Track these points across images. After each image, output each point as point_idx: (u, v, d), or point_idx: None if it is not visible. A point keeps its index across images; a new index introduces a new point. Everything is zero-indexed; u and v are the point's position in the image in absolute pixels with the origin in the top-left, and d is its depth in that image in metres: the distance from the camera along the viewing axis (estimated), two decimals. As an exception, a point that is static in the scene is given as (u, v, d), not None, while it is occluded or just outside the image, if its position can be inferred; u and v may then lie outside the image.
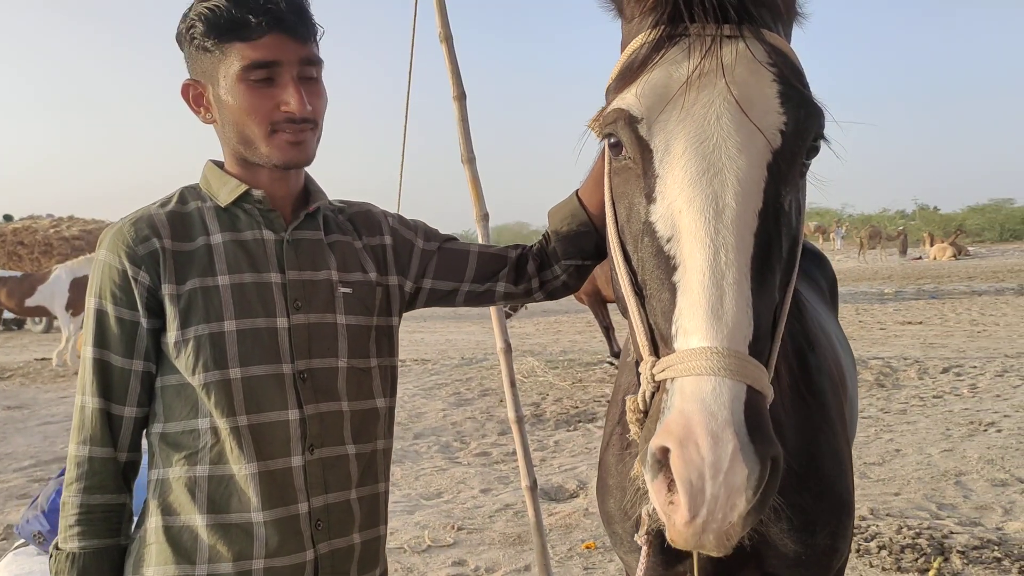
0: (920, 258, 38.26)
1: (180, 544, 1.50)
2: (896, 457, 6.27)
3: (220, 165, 1.65)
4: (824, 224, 50.03)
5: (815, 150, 1.24)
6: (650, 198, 1.22)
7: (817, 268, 3.14)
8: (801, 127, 1.20)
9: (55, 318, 14.68)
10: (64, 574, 1.49)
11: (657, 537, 1.72)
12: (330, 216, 1.70)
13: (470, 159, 3.10)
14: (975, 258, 36.92)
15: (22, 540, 2.94)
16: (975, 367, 9.87)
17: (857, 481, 5.22)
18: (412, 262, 1.77)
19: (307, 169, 1.67)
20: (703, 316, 1.08)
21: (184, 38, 1.54)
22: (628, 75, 1.27)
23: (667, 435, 1.03)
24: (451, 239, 1.85)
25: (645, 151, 1.24)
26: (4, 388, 11.10)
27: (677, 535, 1.06)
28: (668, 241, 1.17)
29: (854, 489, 1.84)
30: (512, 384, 3.20)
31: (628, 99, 1.25)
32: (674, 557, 1.73)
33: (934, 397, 8.38)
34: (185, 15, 1.53)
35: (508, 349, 3.18)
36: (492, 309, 3.14)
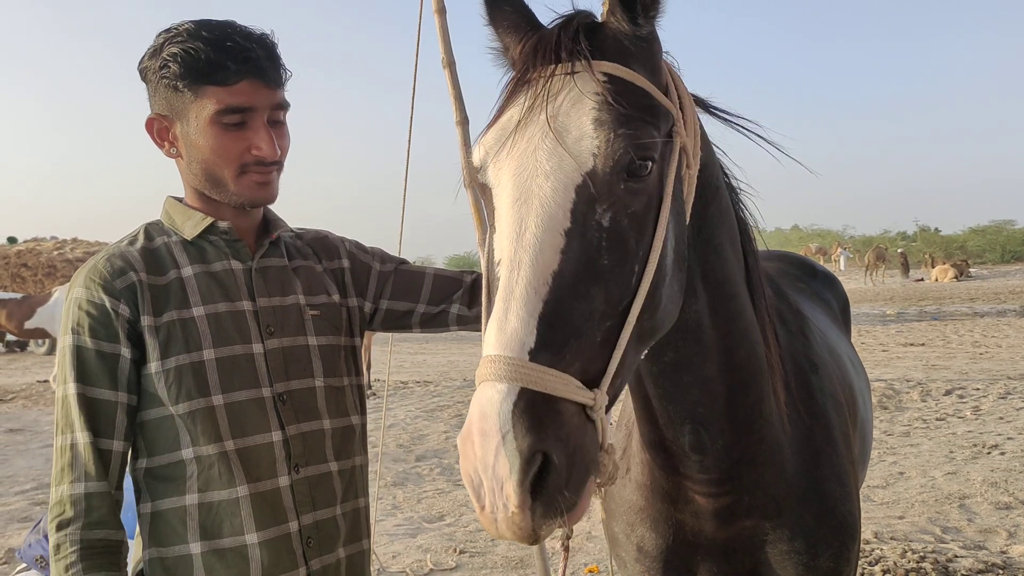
0: (922, 279, 38.24)
1: (177, 574, 1.51)
2: (900, 480, 6.25)
3: (180, 199, 1.68)
4: (825, 246, 50.03)
5: (640, 168, 1.27)
6: (491, 229, 1.33)
7: (829, 290, 3.18)
8: (613, 149, 1.24)
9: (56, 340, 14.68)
10: None
11: (664, 554, 1.74)
12: (290, 242, 1.76)
13: (473, 184, 3.12)
14: (977, 279, 36.92)
15: (24, 564, 2.94)
16: (978, 389, 9.86)
17: (860, 504, 5.15)
18: (370, 284, 1.83)
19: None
20: (491, 328, 1.18)
21: (153, 74, 1.56)
22: (489, 123, 1.38)
23: (459, 437, 1.16)
24: (405, 262, 1.92)
25: (488, 191, 1.37)
26: (6, 410, 11.08)
27: (483, 524, 1.16)
28: (496, 266, 1.27)
29: (860, 512, 1.85)
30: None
31: (475, 151, 1.37)
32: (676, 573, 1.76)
33: (937, 419, 8.37)
34: (155, 52, 1.55)
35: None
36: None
